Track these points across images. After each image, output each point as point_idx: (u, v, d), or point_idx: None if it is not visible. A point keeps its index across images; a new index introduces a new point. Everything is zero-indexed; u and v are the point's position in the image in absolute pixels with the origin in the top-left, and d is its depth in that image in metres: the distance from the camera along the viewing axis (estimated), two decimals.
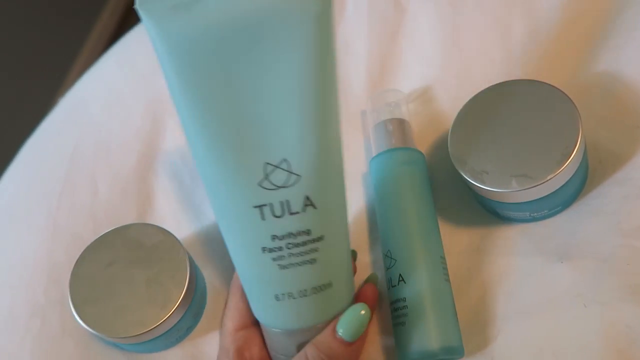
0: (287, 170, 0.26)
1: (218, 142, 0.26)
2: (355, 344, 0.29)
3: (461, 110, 0.34)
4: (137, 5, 0.25)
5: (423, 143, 0.37)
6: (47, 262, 0.38)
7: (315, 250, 0.27)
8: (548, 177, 0.30)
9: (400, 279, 0.32)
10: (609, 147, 0.34)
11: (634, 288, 0.30)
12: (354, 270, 0.34)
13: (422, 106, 0.39)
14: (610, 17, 0.37)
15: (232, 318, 0.33)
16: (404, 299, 0.32)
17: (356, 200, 0.37)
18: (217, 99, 0.25)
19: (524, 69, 0.38)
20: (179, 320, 0.33)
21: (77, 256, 0.34)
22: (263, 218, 0.27)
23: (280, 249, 0.27)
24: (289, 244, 0.27)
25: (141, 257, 0.33)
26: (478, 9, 0.40)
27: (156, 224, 0.34)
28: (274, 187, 0.26)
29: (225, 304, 0.34)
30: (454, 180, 0.36)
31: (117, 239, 0.34)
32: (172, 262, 0.33)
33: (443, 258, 0.33)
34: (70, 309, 0.32)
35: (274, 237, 0.27)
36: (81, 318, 0.32)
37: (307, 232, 0.27)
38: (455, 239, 0.35)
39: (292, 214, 0.27)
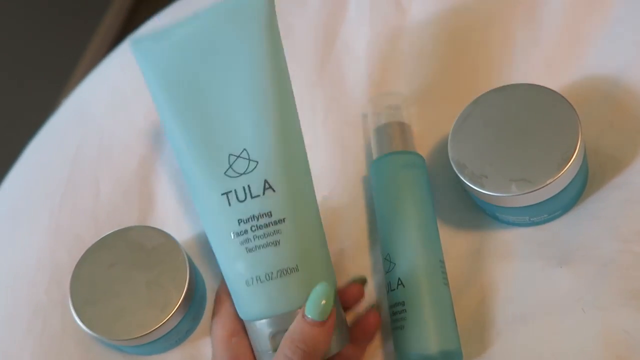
0: (246, 159, 0.30)
1: (191, 141, 0.30)
2: (327, 323, 0.29)
3: (461, 114, 0.34)
4: (129, 43, 0.32)
5: (423, 146, 0.37)
6: (50, 262, 0.38)
7: (278, 232, 0.29)
8: (547, 182, 0.30)
9: (399, 282, 0.32)
10: (609, 152, 0.34)
11: (634, 293, 0.30)
12: (361, 296, 0.34)
13: (422, 109, 0.39)
14: (611, 22, 0.37)
15: (224, 325, 0.33)
16: (403, 303, 0.32)
17: (356, 203, 0.37)
18: (188, 106, 0.30)
19: (525, 73, 0.38)
20: (179, 322, 0.33)
21: (79, 257, 0.34)
22: (229, 204, 0.30)
23: (246, 232, 0.30)
24: (253, 226, 0.29)
25: (142, 260, 0.33)
26: (479, 12, 0.40)
27: (157, 227, 0.34)
28: (236, 175, 0.30)
29: (213, 311, 0.35)
30: (453, 183, 0.36)
31: (118, 241, 0.34)
32: (172, 265, 0.33)
33: (442, 262, 0.33)
34: (71, 311, 0.33)
35: (239, 221, 0.30)
36: (81, 320, 0.32)
37: (269, 214, 0.29)
38: (455, 243, 0.35)
39: (253, 197, 0.29)
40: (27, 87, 1.08)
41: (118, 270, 0.33)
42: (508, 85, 0.33)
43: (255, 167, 0.29)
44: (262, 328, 0.31)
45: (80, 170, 0.41)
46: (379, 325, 0.33)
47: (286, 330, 0.29)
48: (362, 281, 0.35)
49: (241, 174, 0.30)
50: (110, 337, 0.32)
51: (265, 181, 0.29)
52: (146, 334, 0.32)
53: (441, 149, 0.37)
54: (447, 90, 0.39)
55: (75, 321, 0.32)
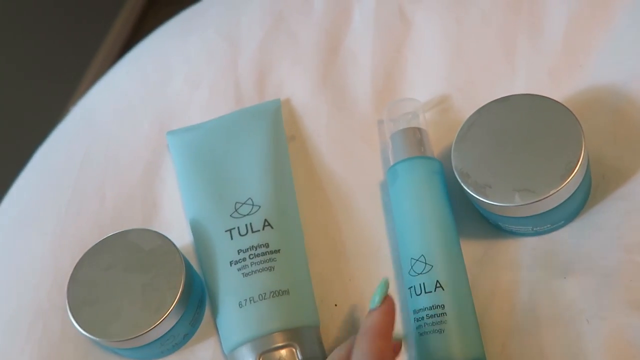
0: (250, 204, 0.36)
1: (205, 194, 0.37)
2: (383, 306, 0.29)
3: (465, 124, 0.34)
4: (167, 134, 0.41)
5: None
6: (53, 267, 0.39)
7: (273, 260, 0.34)
8: (551, 192, 0.30)
9: (438, 285, 0.32)
10: (612, 162, 0.34)
11: (637, 304, 0.30)
12: (398, 352, 0.33)
13: (425, 118, 0.39)
14: (615, 33, 0.37)
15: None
16: (443, 306, 0.31)
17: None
18: (206, 170, 0.38)
19: (528, 83, 0.38)
20: (174, 326, 0.33)
21: None
22: (232, 238, 0.35)
23: (244, 260, 0.34)
24: (252, 254, 0.34)
25: (138, 262, 0.34)
26: (483, 22, 0.40)
27: (157, 230, 0.35)
28: (240, 216, 0.36)
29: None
30: (458, 192, 0.36)
31: (116, 244, 0.34)
32: (168, 267, 0.33)
33: (465, 270, 0.34)
34: (67, 312, 0.33)
35: (239, 251, 0.35)
36: (76, 321, 0.32)
37: (266, 245, 0.35)
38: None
39: (254, 232, 0.35)
40: (36, 93, 1.09)
41: (115, 272, 0.33)
42: (511, 96, 0.33)
43: (257, 210, 0.36)
44: (248, 351, 0.32)
45: (87, 176, 0.42)
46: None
47: (271, 351, 0.32)
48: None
49: (245, 215, 0.36)
50: (104, 337, 0.32)
51: (265, 220, 0.35)
52: (140, 336, 0.32)
53: (444, 158, 0.37)
54: (450, 99, 0.39)
55: (72, 323, 0.33)
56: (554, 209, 0.32)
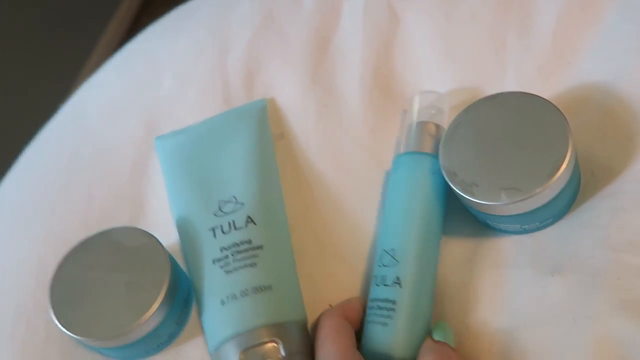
0: (234, 202, 0.36)
1: (190, 197, 0.37)
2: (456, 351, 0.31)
3: (452, 122, 0.34)
4: (155, 140, 0.41)
5: None
6: (38, 267, 0.38)
7: (255, 256, 0.34)
8: (537, 191, 0.30)
9: (397, 281, 0.32)
10: (601, 160, 0.34)
11: (624, 303, 0.30)
12: None
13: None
14: (604, 30, 0.37)
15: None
16: (394, 302, 0.32)
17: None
18: (192, 171, 0.38)
19: (518, 81, 0.37)
20: (159, 325, 0.33)
21: None
22: (215, 236, 0.35)
23: (226, 257, 0.34)
24: (234, 251, 0.34)
25: (123, 260, 0.33)
26: (472, 20, 0.40)
27: (144, 229, 0.34)
28: (223, 214, 0.36)
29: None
30: (447, 189, 0.36)
31: (101, 242, 0.34)
32: (153, 266, 0.33)
33: (436, 273, 0.34)
34: (49, 311, 0.33)
35: (222, 249, 0.35)
36: (59, 320, 0.32)
37: (249, 242, 0.34)
38: (447, 249, 0.35)
39: (236, 229, 0.35)
40: (31, 93, 1.09)
41: (99, 270, 0.33)
42: (499, 94, 0.33)
43: (241, 207, 0.36)
44: (231, 348, 0.32)
45: (74, 176, 0.41)
46: None
47: (254, 347, 0.32)
48: None
49: (228, 213, 0.36)
50: (87, 337, 0.32)
51: (249, 216, 0.35)
52: (122, 335, 0.32)
53: None
54: (449, 99, 0.38)
55: (54, 323, 0.32)
56: (541, 207, 0.31)
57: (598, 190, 0.33)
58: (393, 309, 0.32)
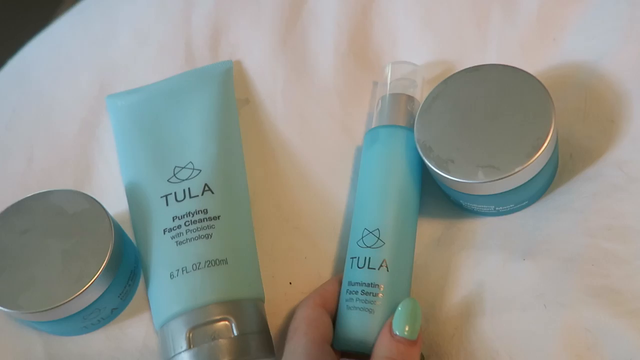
0: (191, 168, 0.34)
1: (141, 158, 0.35)
2: (419, 342, 0.28)
3: (430, 94, 0.32)
4: (106, 98, 0.39)
5: None
6: None
7: (211, 227, 0.32)
8: (516, 170, 0.29)
9: (384, 264, 0.30)
10: (581, 142, 0.33)
11: (597, 290, 0.29)
12: None
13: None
14: (590, 7, 0.36)
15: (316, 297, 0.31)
16: (379, 287, 0.30)
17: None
18: (147, 133, 0.36)
19: (499, 55, 0.36)
20: (99, 298, 0.31)
21: None
22: (167, 204, 0.33)
23: (179, 227, 0.32)
24: (187, 221, 0.32)
25: (60, 226, 0.31)
26: None
27: (88, 194, 0.32)
28: (178, 181, 0.33)
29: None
30: (419, 167, 0.34)
31: (37, 205, 0.31)
32: (95, 233, 0.31)
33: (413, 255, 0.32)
34: None
35: (174, 218, 0.32)
36: None
37: (204, 211, 0.32)
38: (419, 228, 0.34)
39: (192, 197, 0.33)
40: None
41: (33, 236, 0.31)
42: (482, 66, 0.32)
43: (198, 174, 0.33)
44: (178, 325, 0.30)
45: (14, 135, 0.39)
46: None
47: (204, 325, 0.29)
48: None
49: (183, 180, 0.33)
50: (15, 309, 0.29)
51: (206, 184, 0.33)
52: (56, 307, 0.29)
53: None
54: (423, 72, 0.37)
55: None
56: (518, 188, 0.30)
57: (576, 173, 0.32)
58: (380, 295, 0.30)
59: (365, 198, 0.32)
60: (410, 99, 0.34)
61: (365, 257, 0.31)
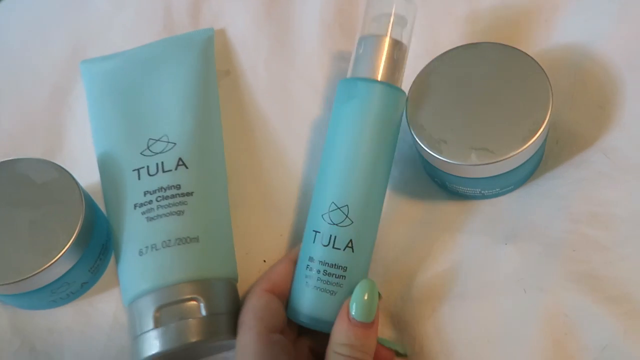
0: (165, 142, 0.32)
1: (114, 128, 0.33)
2: (375, 324, 0.28)
3: (423, 70, 0.31)
4: (80, 63, 0.37)
5: None
6: None
7: (183, 203, 0.31)
8: (510, 154, 0.28)
9: (349, 245, 0.29)
10: (569, 127, 0.33)
11: (578, 276, 0.30)
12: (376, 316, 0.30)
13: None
14: None
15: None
16: (345, 268, 0.28)
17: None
18: (121, 102, 0.34)
19: (490, 33, 0.35)
20: (68, 272, 0.29)
21: None
22: (139, 178, 0.32)
23: (150, 202, 0.31)
24: (159, 197, 0.31)
25: (28, 196, 0.29)
26: None
27: (58, 163, 0.30)
28: (152, 154, 0.32)
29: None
30: (405, 145, 0.33)
31: (2, 173, 0.30)
32: (65, 205, 0.29)
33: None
34: None
35: (146, 193, 0.31)
36: None
37: (177, 187, 0.31)
38: (399, 209, 0.33)
39: (165, 172, 0.31)
40: None
41: None
42: (479, 43, 0.31)
43: (172, 147, 0.32)
44: (146, 303, 0.29)
45: None
46: None
47: (172, 304, 0.28)
48: (403, 355, 0.31)
49: (157, 153, 0.32)
50: None
51: (180, 159, 0.32)
52: (22, 280, 0.28)
53: None
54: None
55: None
56: (506, 172, 0.30)
57: (562, 159, 0.32)
58: (344, 276, 0.28)
59: (334, 165, 0.29)
60: (396, 43, 0.30)
61: (331, 235, 0.29)
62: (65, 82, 0.37)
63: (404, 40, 0.30)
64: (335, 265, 0.29)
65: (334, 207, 0.29)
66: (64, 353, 0.31)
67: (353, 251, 0.29)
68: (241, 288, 0.32)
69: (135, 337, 0.29)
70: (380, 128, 0.29)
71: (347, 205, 0.29)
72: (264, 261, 0.33)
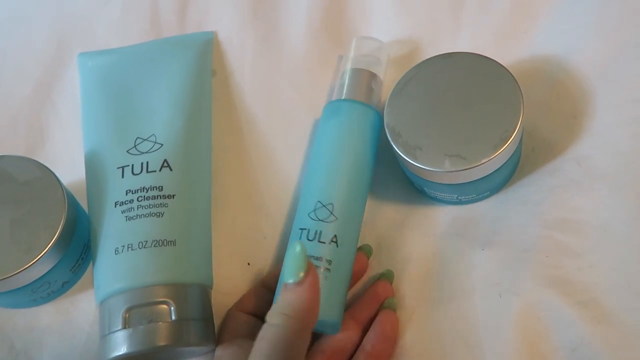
0: (152, 142, 0.32)
1: (104, 124, 0.33)
2: (305, 283, 0.25)
3: (402, 78, 0.31)
4: (78, 56, 0.37)
5: None
6: None
7: (164, 205, 0.31)
8: (482, 161, 0.29)
9: (334, 240, 0.30)
10: (543, 135, 0.33)
11: (551, 280, 0.30)
12: (364, 270, 0.32)
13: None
14: (562, 2, 0.36)
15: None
16: (330, 262, 0.29)
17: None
18: (113, 98, 0.34)
19: (471, 43, 0.36)
20: (50, 271, 0.29)
21: None
22: (122, 176, 0.31)
23: (131, 201, 0.31)
24: (140, 197, 0.31)
25: (9, 194, 0.29)
26: None
27: (39, 161, 0.30)
28: (138, 153, 0.32)
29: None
30: (385, 150, 0.34)
31: None
32: (47, 203, 0.29)
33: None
34: None
35: (127, 192, 0.31)
36: None
37: (160, 188, 0.31)
38: (379, 212, 0.34)
39: (149, 172, 0.31)
40: None
41: None
42: (456, 53, 0.31)
43: (159, 148, 0.32)
44: (117, 303, 0.29)
45: None
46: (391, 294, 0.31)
47: (142, 306, 0.28)
48: (368, 252, 0.32)
49: (143, 153, 0.32)
50: None
51: (165, 160, 0.32)
52: (3, 279, 0.28)
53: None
54: (388, 50, 0.36)
55: None
56: (482, 178, 0.30)
57: (537, 167, 0.33)
58: (328, 269, 0.29)
59: (320, 170, 0.32)
60: (373, 75, 0.34)
61: (316, 231, 0.30)
62: (50, 78, 0.37)
63: (380, 74, 0.34)
64: (320, 258, 0.29)
65: (320, 205, 0.30)
66: (43, 351, 0.31)
67: (337, 246, 0.30)
68: (224, 290, 0.32)
69: (104, 336, 0.29)
70: (360, 137, 0.32)
71: (332, 203, 0.30)
72: (248, 264, 0.33)
